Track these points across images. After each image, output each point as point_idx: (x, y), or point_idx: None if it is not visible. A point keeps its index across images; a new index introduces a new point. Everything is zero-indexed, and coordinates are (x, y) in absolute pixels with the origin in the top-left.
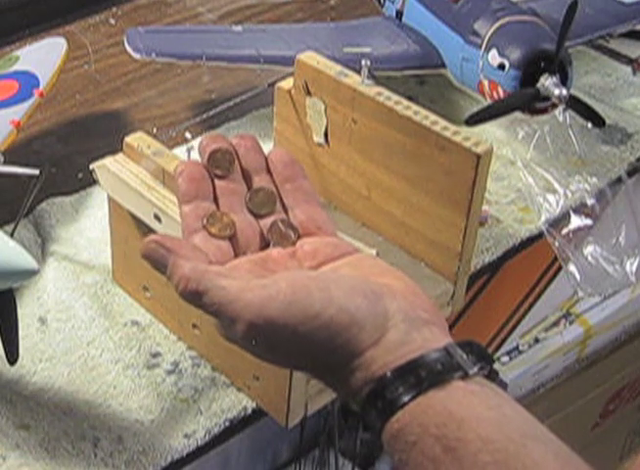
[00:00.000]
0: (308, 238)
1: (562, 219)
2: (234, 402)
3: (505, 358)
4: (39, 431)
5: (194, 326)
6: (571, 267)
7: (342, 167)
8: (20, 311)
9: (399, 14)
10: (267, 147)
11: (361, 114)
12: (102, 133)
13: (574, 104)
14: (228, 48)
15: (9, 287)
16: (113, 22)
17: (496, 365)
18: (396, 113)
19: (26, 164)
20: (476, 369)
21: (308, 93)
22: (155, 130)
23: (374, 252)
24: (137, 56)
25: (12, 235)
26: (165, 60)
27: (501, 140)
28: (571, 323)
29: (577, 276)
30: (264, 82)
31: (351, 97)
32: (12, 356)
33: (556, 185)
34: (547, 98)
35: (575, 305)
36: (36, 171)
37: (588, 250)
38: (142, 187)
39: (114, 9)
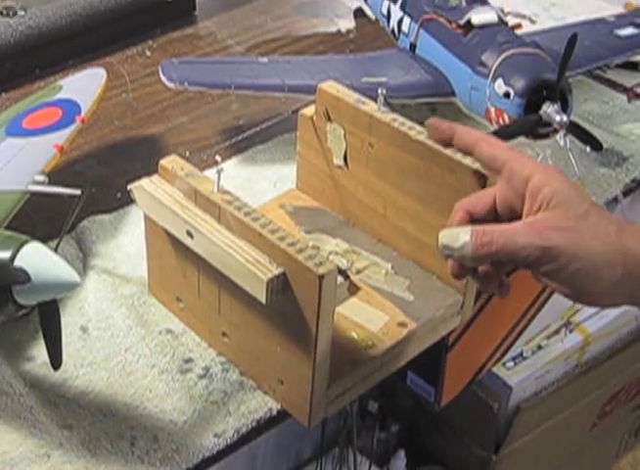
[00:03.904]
0: None
1: None
2: (260, 404)
3: (510, 364)
4: (81, 431)
5: (223, 334)
6: None
7: (359, 188)
8: (63, 320)
9: (413, 46)
10: (291, 168)
11: (377, 138)
12: (139, 156)
13: (574, 129)
14: (255, 78)
15: (53, 298)
16: (148, 53)
17: (502, 370)
18: (410, 137)
19: (69, 185)
20: None
21: (329, 119)
22: (187, 154)
23: (389, 265)
24: (171, 85)
25: (56, 250)
26: (197, 89)
27: None
28: (571, 331)
29: None
30: (288, 109)
31: (368, 123)
32: (56, 362)
33: None
34: (549, 124)
35: (575, 315)
36: (78, 191)
37: None
38: (175, 206)
39: (150, 42)
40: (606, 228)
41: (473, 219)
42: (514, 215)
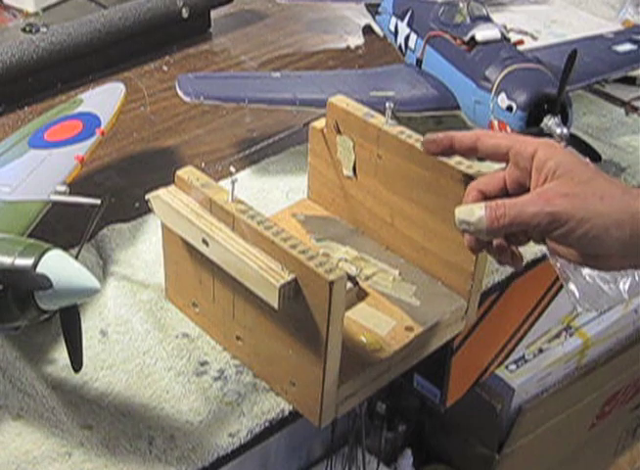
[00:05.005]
0: None
1: None
2: (273, 406)
3: (513, 366)
4: (101, 430)
5: (237, 338)
6: (571, 286)
7: (368, 198)
8: (83, 325)
9: (419, 62)
10: (302, 179)
11: (385, 150)
12: (156, 167)
13: (574, 141)
14: (268, 92)
15: (74, 303)
16: (165, 69)
17: (505, 372)
18: (416, 149)
19: (89, 195)
20: None
21: (339, 132)
22: (203, 165)
23: (397, 272)
24: (187, 99)
25: (76, 257)
26: (212, 102)
27: None
28: (571, 335)
29: (577, 294)
30: (300, 122)
31: (377, 135)
32: (77, 365)
33: None
34: (550, 136)
35: (575, 320)
36: (98, 201)
37: (586, 270)
38: (191, 215)
39: (167, 57)
40: (611, 191)
41: (485, 198)
42: (524, 192)
